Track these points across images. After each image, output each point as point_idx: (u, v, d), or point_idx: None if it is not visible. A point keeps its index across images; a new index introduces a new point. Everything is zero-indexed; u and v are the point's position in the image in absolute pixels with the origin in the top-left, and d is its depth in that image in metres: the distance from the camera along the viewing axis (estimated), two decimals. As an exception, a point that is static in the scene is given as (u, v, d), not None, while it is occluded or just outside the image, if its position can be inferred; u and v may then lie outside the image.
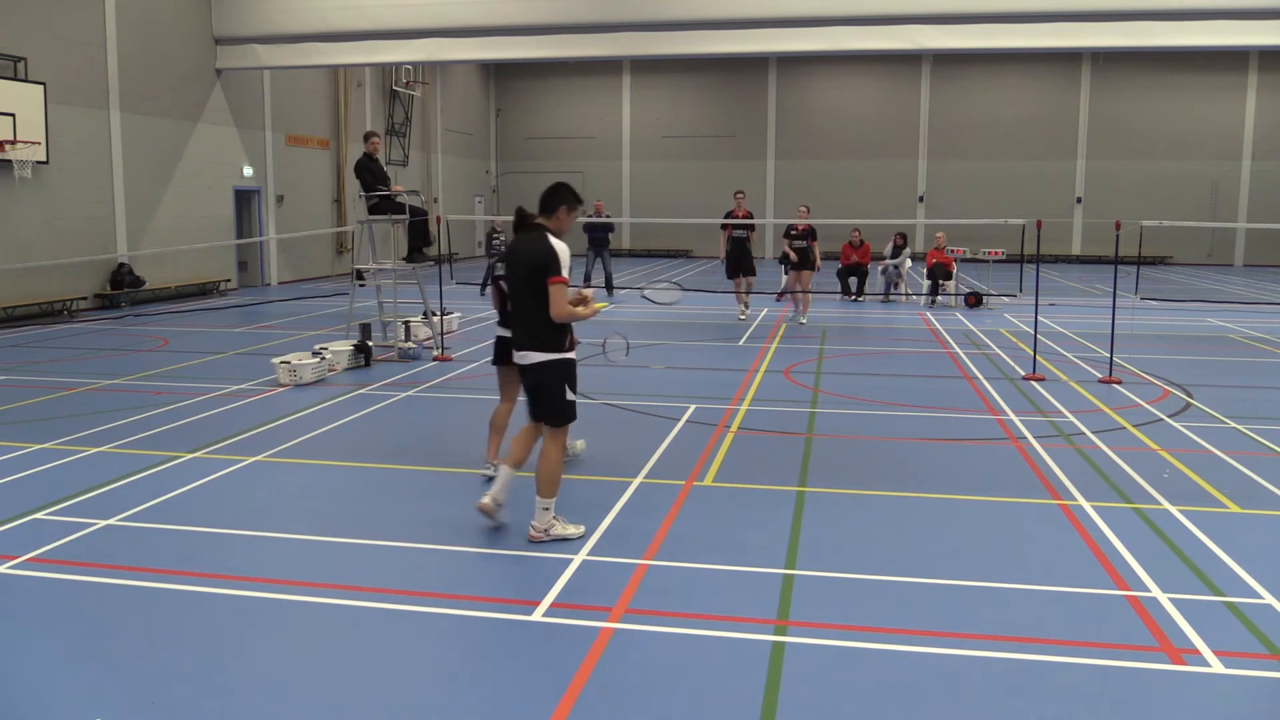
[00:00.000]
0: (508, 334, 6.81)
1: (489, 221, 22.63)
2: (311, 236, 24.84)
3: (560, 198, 5.92)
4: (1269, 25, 17.44)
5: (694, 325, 15.92)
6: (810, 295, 16.92)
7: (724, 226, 16.56)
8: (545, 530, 5.86)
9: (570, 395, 5.85)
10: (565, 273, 5.67)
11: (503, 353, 7.06)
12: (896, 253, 20.90)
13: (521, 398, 6.16)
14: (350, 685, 4.20)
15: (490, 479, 6.64)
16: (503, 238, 21.74)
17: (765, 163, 36.41)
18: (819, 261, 17.15)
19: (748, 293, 16.79)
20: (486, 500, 5.97)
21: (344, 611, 4.91)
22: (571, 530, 5.94)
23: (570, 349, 5.86)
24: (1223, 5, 17.36)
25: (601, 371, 11.56)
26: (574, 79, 36.99)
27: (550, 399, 5.85)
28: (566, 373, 5.83)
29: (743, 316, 16.50)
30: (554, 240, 5.76)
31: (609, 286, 21.09)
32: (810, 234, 16.71)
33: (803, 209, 17.45)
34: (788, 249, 16.87)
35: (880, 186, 35.04)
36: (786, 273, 16.87)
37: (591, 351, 13.25)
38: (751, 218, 16.74)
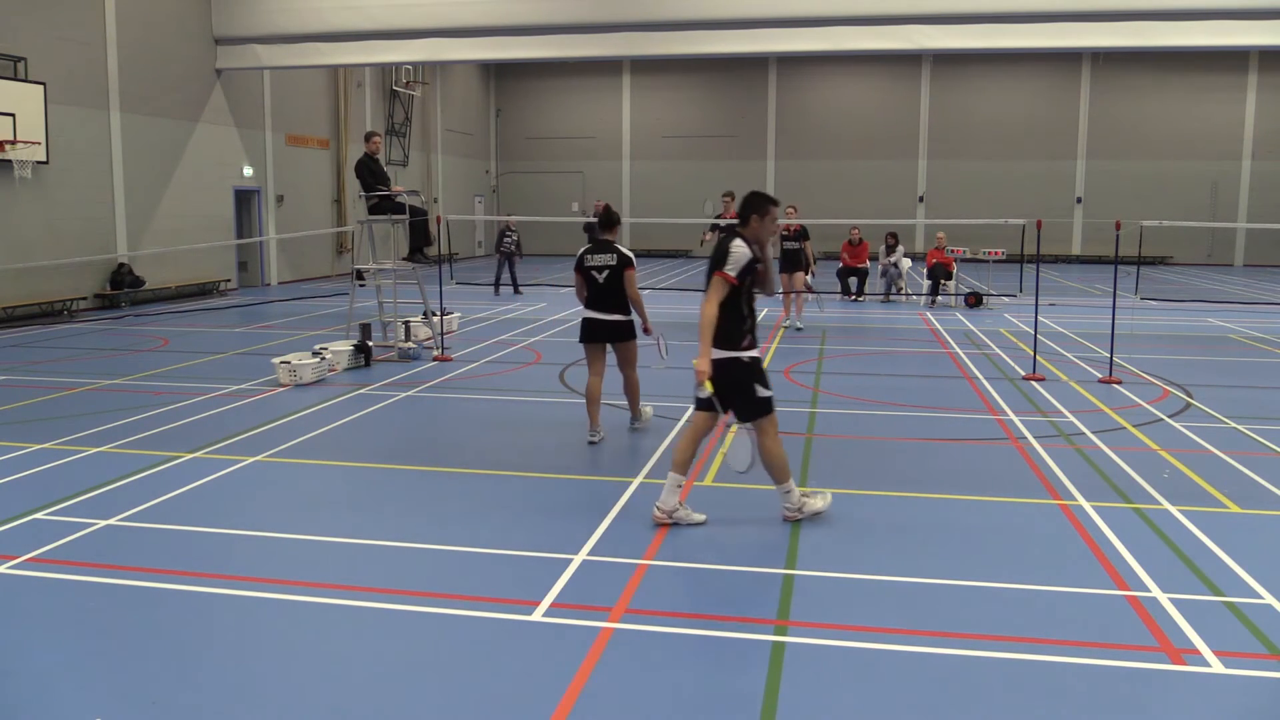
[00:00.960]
0: (594, 315, 8.18)
1: (502, 221, 22.52)
2: (311, 236, 24.84)
3: (751, 207, 6.17)
4: (1269, 25, 17.44)
5: (693, 325, 15.87)
6: (805, 297, 16.47)
7: (713, 228, 15.75)
8: (799, 509, 6.19)
9: (764, 391, 6.07)
10: (733, 272, 5.95)
11: (589, 332, 8.24)
12: (890, 252, 20.87)
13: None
14: (350, 685, 4.20)
15: (593, 443, 8.19)
16: (515, 237, 21.56)
17: (765, 163, 36.41)
18: (814, 264, 16.79)
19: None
20: (657, 513, 6.17)
21: (344, 611, 4.91)
22: (819, 504, 6.26)
23: (748, 348, 6.07)
24: (1223, 5, 17.35)
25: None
26: (574, 79, 36.98)
27: (742, 397, 6.08)
28: (749, 372, 6.05)
29: None
30: (735, 242, 6.05)
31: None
32: (802, 235, 16.18)
33: (791, 209, 16.76)
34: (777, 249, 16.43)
35: (880, 186, 35.04)
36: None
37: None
38: None
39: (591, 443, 8.22)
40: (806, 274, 16.40)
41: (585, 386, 8.42)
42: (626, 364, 8.43)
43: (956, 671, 4.29)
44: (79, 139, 17.80)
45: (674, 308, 18.05)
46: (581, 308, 8.38)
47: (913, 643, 4.56)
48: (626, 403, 8.68)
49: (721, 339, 6.00)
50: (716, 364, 5.99)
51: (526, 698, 4.06)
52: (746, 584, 5.27)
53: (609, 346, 8.36)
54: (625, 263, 8.12)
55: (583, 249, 8.27)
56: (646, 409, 8.82)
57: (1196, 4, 17.39)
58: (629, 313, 8.25)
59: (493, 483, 7.17)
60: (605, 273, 8.10)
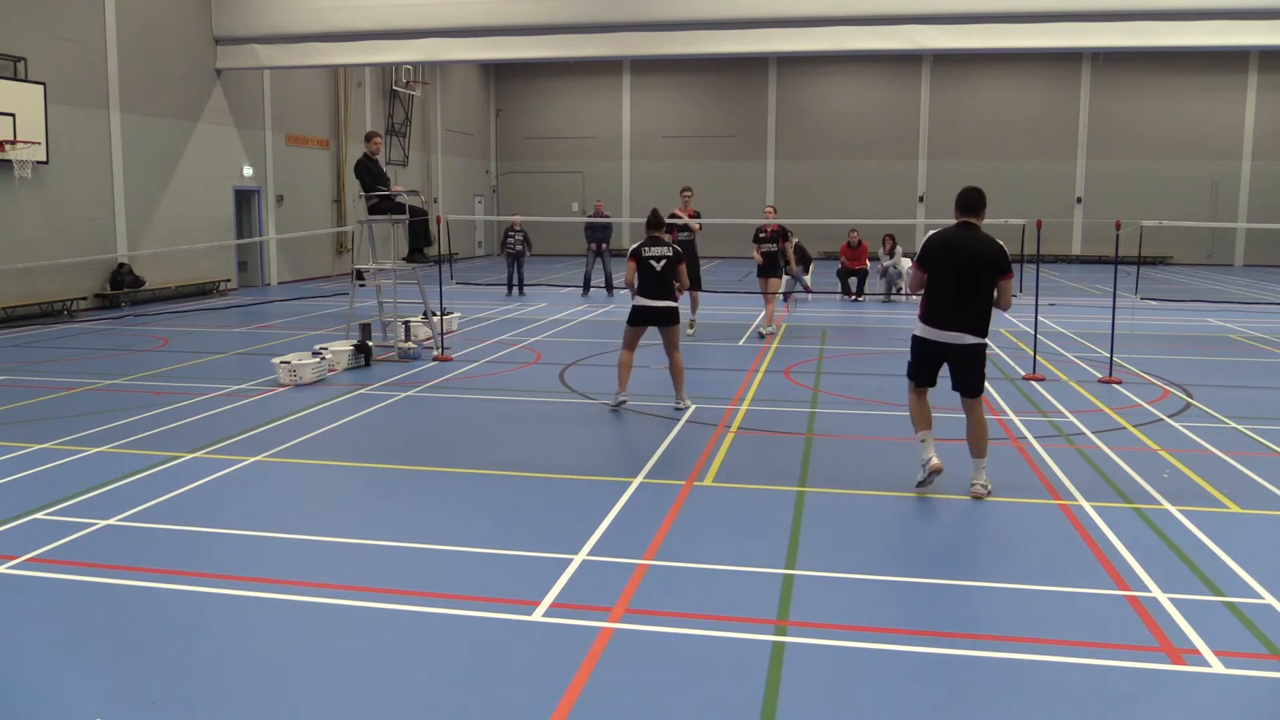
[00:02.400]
0: (647, 303, 9.37)
1: (506, 221, 22.46)
2: (311, 236, 24.84)
3: (983, 202, 6.93)
4: (1269, 25, 17.45)
5: (718, 325, 15.88)
6: (794, 296, 15.85)
7: (670, 229, 15.13)
8: (989, 487, 6.67)
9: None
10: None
11: (640, 316, 9.44)
12: (890, 254, 20.85)
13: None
14: (350, 685, 4.20)
15: (618, 405, 9.50)
16: (521, 236, 21.46)
17: (765, 163, 36.41)
18: (793, 262, 16.20)
19: (689, 293, 14.67)
20: (935, 462, 6.70)
21: (344, 611, 4.91)
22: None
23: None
24: (1223, 5, 17.36)
25: (600, 371, 11.57)
26: (574, 79, 36.98)
27: (980, 375, 6.77)
28: (985, 356, 6.85)
29: (690, 330, 14.70)
30: (994, 239, 6.68)
31: (609, 287, 21.10)
32: (781, 235, 15.42)
33: (769, 209, 16.25)
34: (756, 255, 15.29)
35: (880, 186, 35.03)
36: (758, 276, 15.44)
37: (587, 352, 13.23)
38: (699, 217, 15.11)
39: (620, 403, 9.50)
40: (797, 268, 15.95)
41: (618, 358, 9.60)
42: (672, 346, 9.53)
43: (957, 671, 4.29)
44: (79, 139, 17.79)
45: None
46: (598, 285, 8.86)
47: (912, 643, 4.56)
48: (672, 384, 9.61)
49: (982, 328, 6.68)
50: (972, 347, 6.69)
51: (526, 698, 4.06)
52: (746, 584, 5.27)
53: (655, 330, 9.55)
54: (679, 256, 9.61)
55: (639, 243, 9.53)
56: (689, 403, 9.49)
57: (1196, 4, 17.39)
58: (676, 300, 9.55)
59: (493, 482, 7.17)
60: (663, 262, 9.45)
